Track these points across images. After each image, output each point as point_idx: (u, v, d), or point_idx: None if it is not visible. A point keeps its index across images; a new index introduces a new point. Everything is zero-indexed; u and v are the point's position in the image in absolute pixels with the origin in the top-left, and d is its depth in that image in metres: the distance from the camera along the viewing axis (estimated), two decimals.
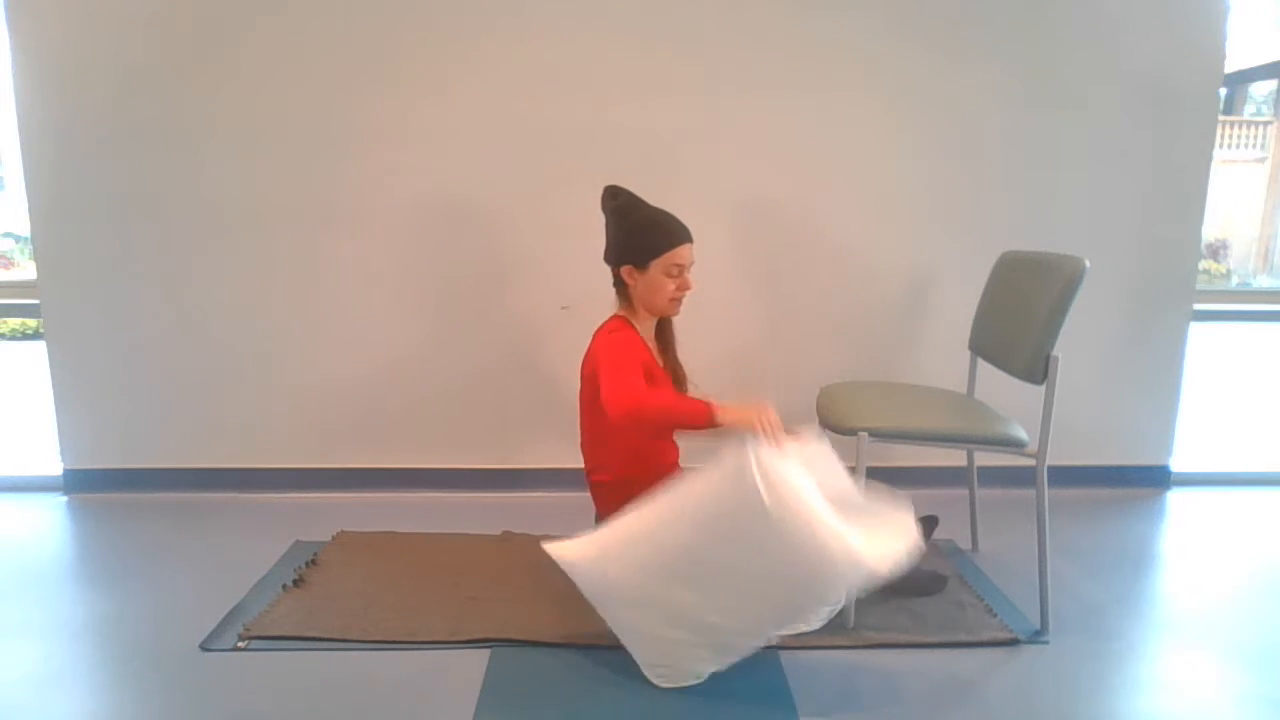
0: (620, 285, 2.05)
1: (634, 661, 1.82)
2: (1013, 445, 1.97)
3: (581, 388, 2.05)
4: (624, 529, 1.74)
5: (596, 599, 1.77)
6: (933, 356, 2.84)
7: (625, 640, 1.79)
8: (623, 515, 1.74)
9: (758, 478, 1.57)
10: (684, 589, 1.68)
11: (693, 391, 2.20)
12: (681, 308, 2.05)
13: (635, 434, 1.94)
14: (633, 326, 2.03)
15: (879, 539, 1.65)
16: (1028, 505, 2.19)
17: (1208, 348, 5.97)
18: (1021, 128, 2.74)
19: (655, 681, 1.76)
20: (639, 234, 1.98)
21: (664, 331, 2.14)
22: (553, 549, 1.79)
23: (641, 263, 1.97)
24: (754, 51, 2.66)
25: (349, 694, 1.73)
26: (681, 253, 1.97)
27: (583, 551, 1.77)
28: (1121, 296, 2.86)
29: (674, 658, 1.74)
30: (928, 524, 2.38)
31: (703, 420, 1.76)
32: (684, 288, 2.01)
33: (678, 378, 2.14)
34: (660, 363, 2.10)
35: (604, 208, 2.05)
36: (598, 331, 2.04)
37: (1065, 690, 1.77)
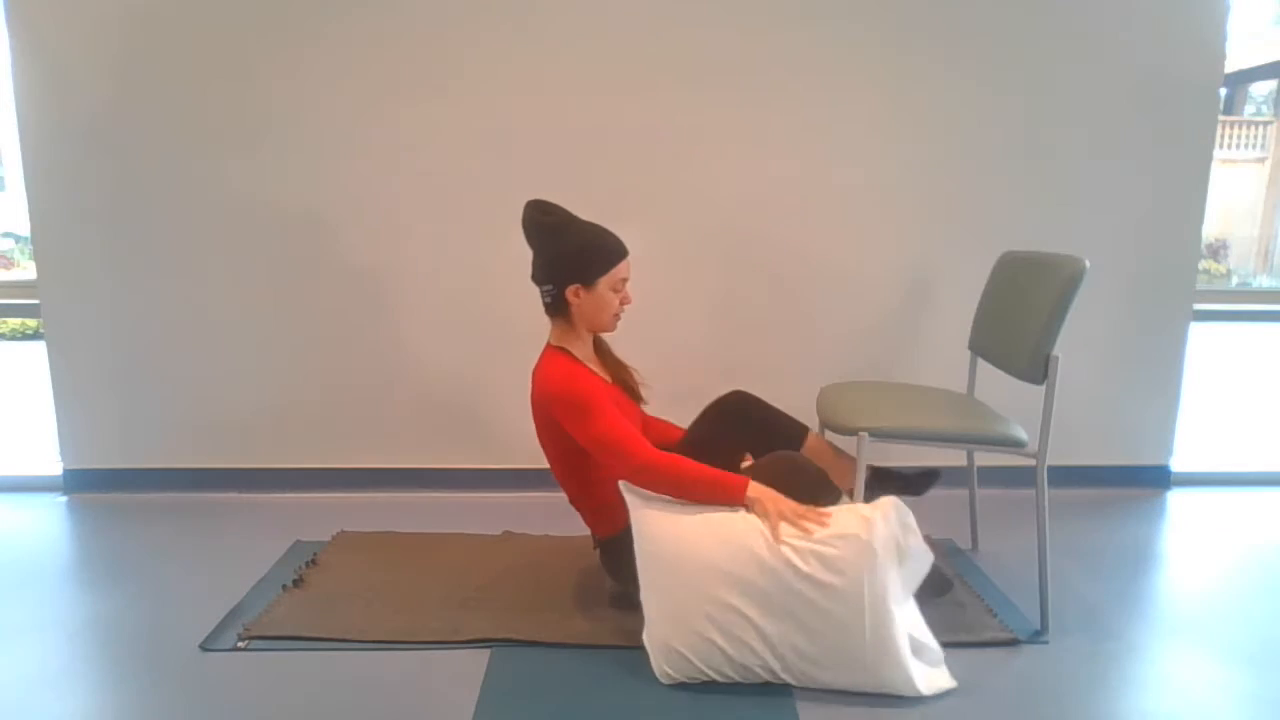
0: (559, 306, 1.95)
1: (633, 662, 1.82)
2: (1013, 445, 1.97)
3: (539, 431, 1.98)
4: (712, 522, 1.72)
5: (649, 560, 1.76)
6: (933, 356, 2.84)
7: (651, 613, 1.75)
8: (714, 509, 1.75)
9: (868, 577, 1.65)
10: (745, 603, 1.67)
11: (645, 394, 2.15)
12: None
13: (667, 495, 1.82)
14: (571, 355, 1.96)
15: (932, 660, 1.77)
16: (1028, 505, 2.19)
17: (1208, 348, 5.98)
18: (1021, 127, 2.74)
19: (658, 672, 1.75)
20: (585, 251, 1.91)
21: (599, 343, 2.09)
22: (629, 492, 1.78)
23: (589, 280, 1.91)
24: (754, 53, 2.66)
25: (349, 694, 1.73)
26: (625, 267, 1.94)
27: (660, 514, 1.76)
28: (1121, 296, 2.86)
29: (695, 652, 1.71)
30: (928, 477, 2.16)
31: (734, 500, 1.76)
32: (626, 302, 1.98)
33: (629, 387, 2.08)
34: (608, 379, 2.04)
35: (531, 223, 1.94)
36: (538, 369, 1.94)
37: (1065, 690, 1.77)
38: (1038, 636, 1.97)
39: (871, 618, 1.65)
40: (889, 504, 1.72)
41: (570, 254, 1.91)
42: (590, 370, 1.97)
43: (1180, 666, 1.87)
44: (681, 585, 1.71)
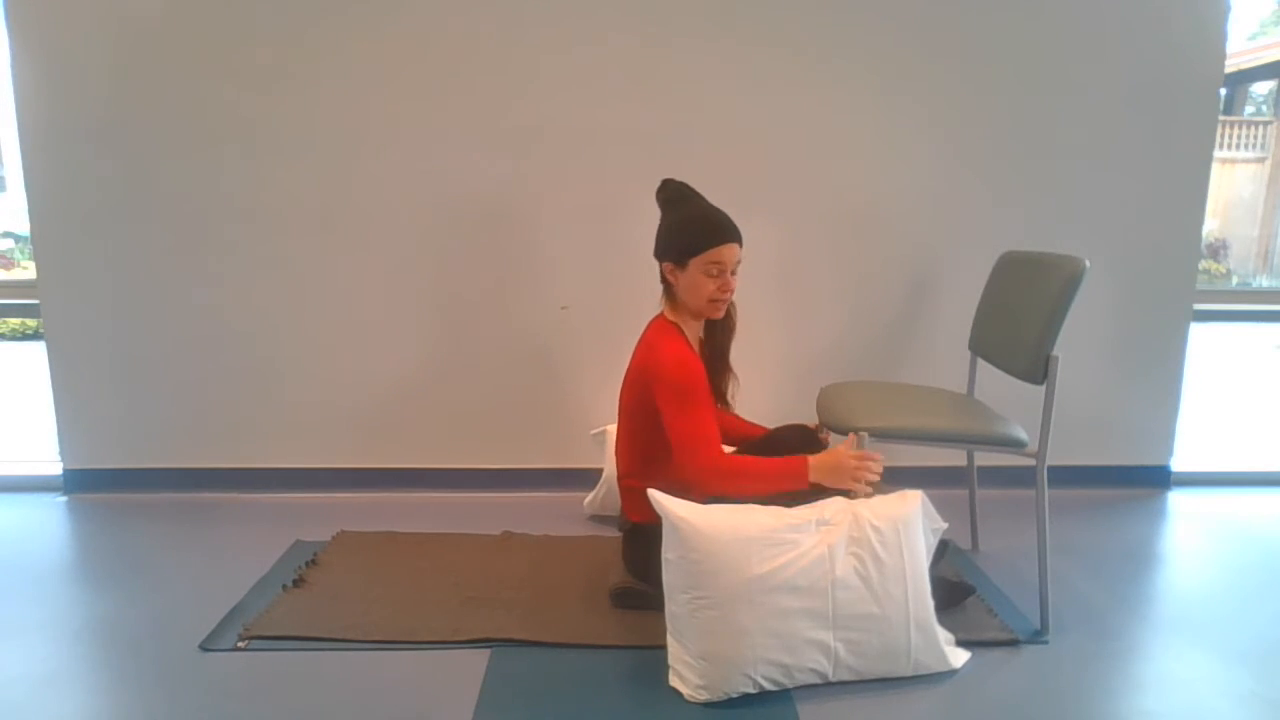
0: (665, 283, 2.01)
1: (634, 661, 1.82)
2: (1013, 445, 1.97)
3: (624, 391, 2.01)
4: (751, 523, 1.69)
5: (687, 572, 1.67)
6: (933, 356, 2.84)
7: (684, 629, 1.70)
8: (744, 507, 1.73)
9: (908, 557, 1.74)
10: (804, 610, 1.67)
11: (734, 395, 2.18)
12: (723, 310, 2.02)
13: (734, 497, 1.79)
14: (680, 330, 1.98)
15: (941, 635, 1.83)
16: (1028, 505, 2.18)
17: (1208, 348, 5.97)
18: (1022, 127, 2.74)
19: (694, 691, 1.69)
20: (681, 230, 1.92)
21: (715, 334, 2.09)
22: (660, 497, 1.71)
23: (681, 260, 1.92)
24: (752, 51, 2.66)
25: (349, 694, 1.73)
26: (723, 252, 1.90)
27: (702, 517, 1.68)
28: (1121, 296, 2.86)
29: (760, 672, 1.67)
30: (962, 590, 2.16)
31: (798, 484, 1.75)
32: (725, 289, 1.93)
33: (719, 387, 2.09)
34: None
35: (656, 200, 2.00)
36: (647, 335, 1.98)
37: (1065, 690, 1.77)
38: (1038, 636, 1.97)
39: (914, 593, 1.73)
40: (915, 495, 1.82)
41: (666, 231, 1.95)
42: (698, 355, 1.98)
43: (1180, 666, 1.87)
44: (733, 598, 1.65)
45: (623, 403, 2.02)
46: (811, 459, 1.80)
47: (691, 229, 1.91)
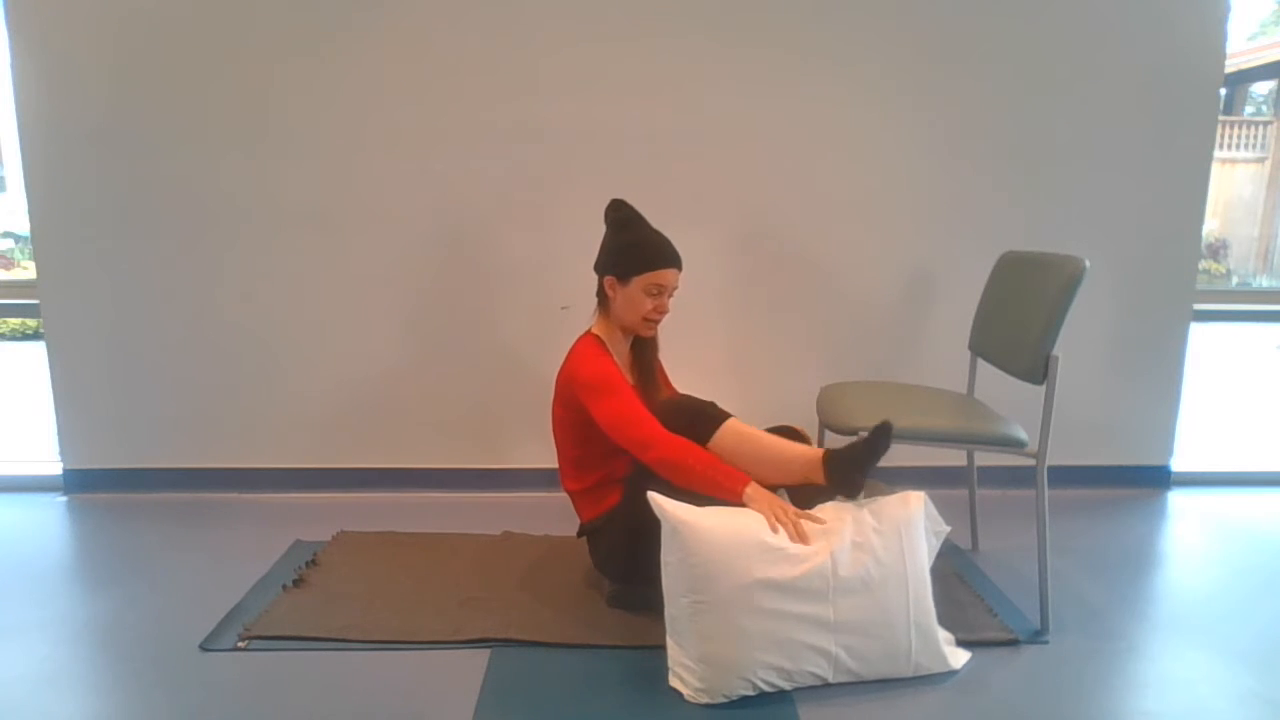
0: (602, 296, 2.07)
1: (633, 662, 1.82)
2: (1013, 445, 1.97)
3: (554, 404, 2.06)
4: (752, 527, 1.68)
5: (687, 575, 1.66)
6: (933, 356, 2.84)
7: (683, 631, 1.70)
8: (746, 511, 1.73)
9: (909, 562, 1.74)
10: (803, 613, 1.66)
11: None
12: (658, 330, 2.09)
13: (669, 478, 1.82)
14: (604, 346, 2.03)
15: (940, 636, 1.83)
16: (1028, 505, 2.19)
17: (1208, 348, 5.98)
18: (1021, 127, 2.74)
19: (694, 693, 1.69)
20: (629, 248, 1.99)
21: (643, 353, 2.14)
22: (661, 500, 1.71)
23: (624, 276, 1.99)
24: (752, 52, 2.66)
25: (349, 694, 1.73)
26: (665, 275, 1.99)
27: (703, 520, 1.68)
28: (1121, 296, 2.86)
29: (758, 676, 1.67)
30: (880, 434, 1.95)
31: (731, 496, 1.76)
32: (660, 310, 2.02)
33: (650, 400, 2.10)
34: (631, 381, 2.09)
35: (605, 219, 2.08)
36: (571, 350, 2.04)
37: (1065, 690, 1.77)
38: (1038, 636, 1.97)
39: (914, 596, 1.73)
40: (918, 496, 1.82)
41: (616, 248, 2.02)
42: (616, 363, 2.02)
43: (1180, 666, 1.87)
44: (723, 601, 1.64)
45: (553, 414, 2.08)
46: (750, 489, 1.76)
47: (641, 250, 1.99)
